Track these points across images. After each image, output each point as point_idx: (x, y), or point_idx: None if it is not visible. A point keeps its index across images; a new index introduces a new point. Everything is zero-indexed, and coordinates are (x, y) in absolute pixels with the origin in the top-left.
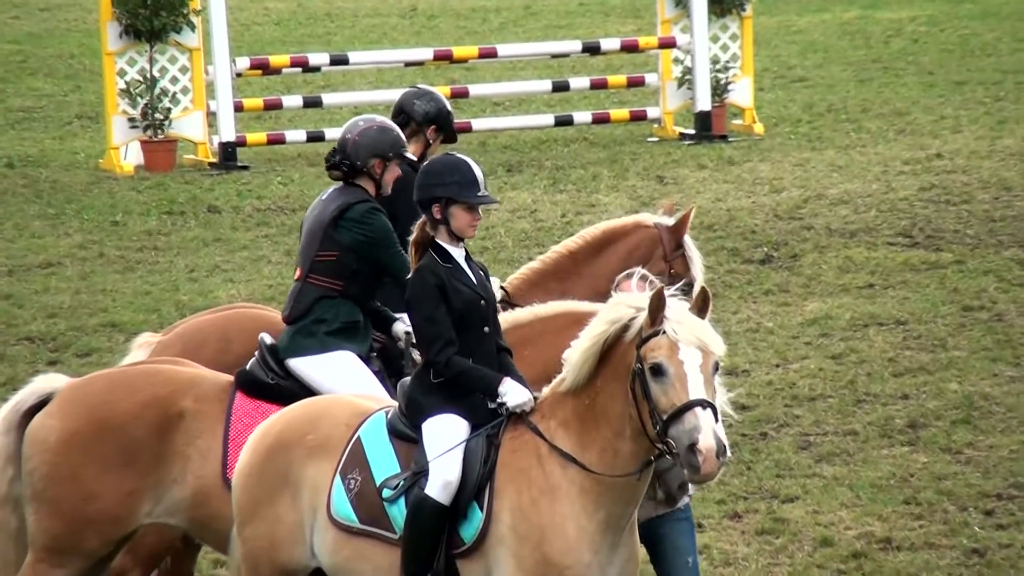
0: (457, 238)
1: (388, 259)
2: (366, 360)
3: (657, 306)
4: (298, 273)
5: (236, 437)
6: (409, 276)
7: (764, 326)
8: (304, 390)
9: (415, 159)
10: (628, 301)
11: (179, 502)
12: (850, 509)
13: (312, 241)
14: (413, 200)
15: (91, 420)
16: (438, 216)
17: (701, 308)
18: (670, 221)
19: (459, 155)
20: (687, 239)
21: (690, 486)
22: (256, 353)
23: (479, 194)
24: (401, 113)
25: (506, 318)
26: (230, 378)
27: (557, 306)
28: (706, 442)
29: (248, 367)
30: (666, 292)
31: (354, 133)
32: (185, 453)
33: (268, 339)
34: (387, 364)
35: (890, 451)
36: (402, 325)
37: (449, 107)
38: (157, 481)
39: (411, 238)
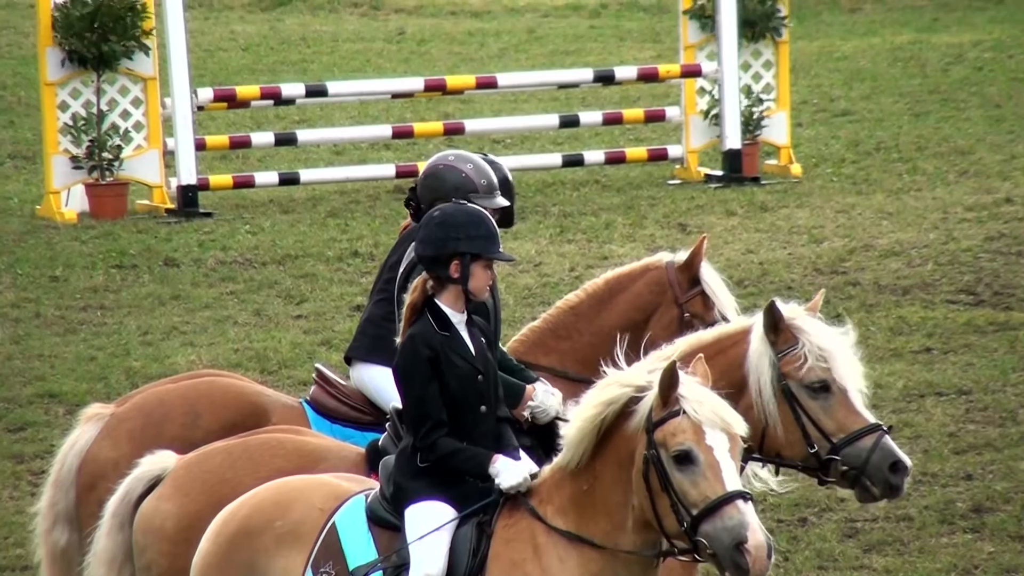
0: (466, 300)
1: None
2: (516, 432)
3: (669, 384)
4: None
5: None
6: (399, 343)
7: None
8: None
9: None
10: (621, 379)
11: None
12: None
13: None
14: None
15: (211, 501)
16: (455, 275)
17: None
18: (682, 257)
19: (471, 205)
20: (705, 272)
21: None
22: (387, 426)
23: (500, 249)
24: None
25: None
26: (359, 450)
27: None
28: (755, 540)
29: (380, 443)
30: (679, 368)
31: (425, 170)
32: None
33: (397, 406)
34: (540, 436)
35: (951, 539)
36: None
37: (512, 180)
38: None
39: (407, 300)
